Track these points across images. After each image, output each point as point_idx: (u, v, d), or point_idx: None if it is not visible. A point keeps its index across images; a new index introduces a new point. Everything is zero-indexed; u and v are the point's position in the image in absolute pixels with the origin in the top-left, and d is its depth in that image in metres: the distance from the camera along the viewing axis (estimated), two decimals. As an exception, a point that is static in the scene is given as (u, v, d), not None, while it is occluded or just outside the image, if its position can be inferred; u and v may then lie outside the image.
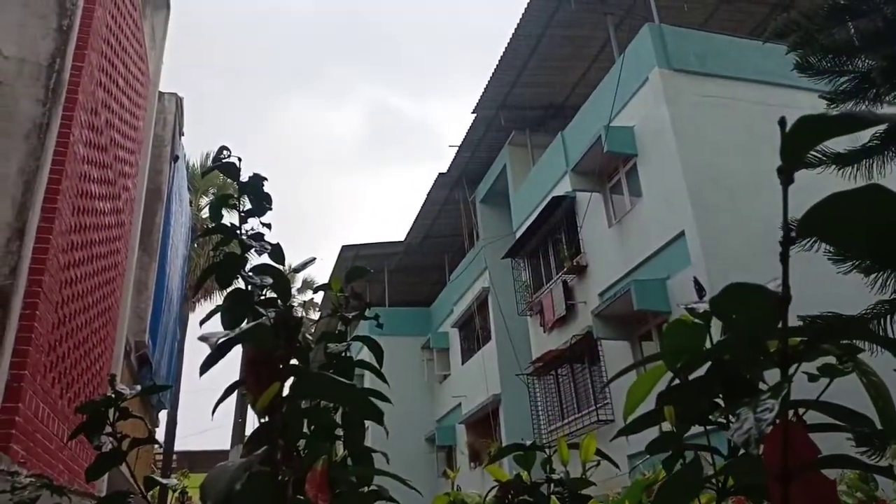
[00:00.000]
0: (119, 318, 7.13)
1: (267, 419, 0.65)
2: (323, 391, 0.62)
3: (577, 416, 15.24)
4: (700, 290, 0.84)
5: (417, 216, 24.30)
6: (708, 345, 0.85)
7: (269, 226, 1.62)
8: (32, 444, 4.04)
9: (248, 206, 1.59)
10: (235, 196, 1.59)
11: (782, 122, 0.59)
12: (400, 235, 25.87)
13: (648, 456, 0.89)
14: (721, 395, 0.82)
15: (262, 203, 1.62)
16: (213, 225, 1.58)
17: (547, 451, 1.51)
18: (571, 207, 16.15)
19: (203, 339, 0.64)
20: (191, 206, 19.32)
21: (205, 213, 24.67)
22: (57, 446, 4.60)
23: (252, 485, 0.56)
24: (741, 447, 0.48)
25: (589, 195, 15.24)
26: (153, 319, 10.24)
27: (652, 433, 0.94)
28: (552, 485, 1.44)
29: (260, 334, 0.64)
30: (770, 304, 0.61)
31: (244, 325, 0.66)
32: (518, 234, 18.41)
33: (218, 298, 24.40)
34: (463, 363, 22.86)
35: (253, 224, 1.60)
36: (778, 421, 0.58)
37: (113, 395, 1.42)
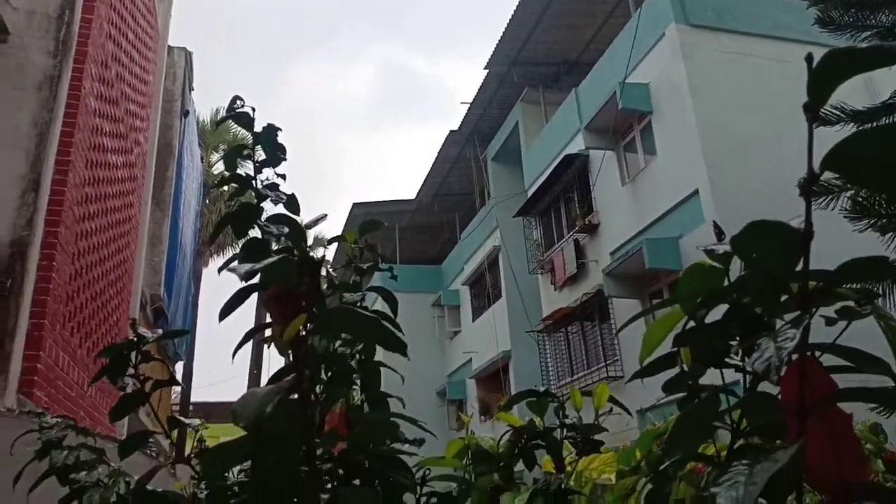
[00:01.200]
0: (134, 271, 7.21)
1: (292, 351, 0.66)
2: (347, 324, 0.63)
3: (587, 371, 15.39)
4: (720, 233, 0.84)
5: (428, 174, 24.19)
6: (725, 289, 0.85)
7: (283, 176, 1.63)
8: (54, 391, 4.15)
9: (263, 156, 1.60)
10: (250, 147, 1.59)
11: (809, 57, 0.58)
12: (411, 194, 25.83)
13: (664, 396, 0.90)
14: (738, 338, 0.83)
15: (276, 153, 1.62)
16: (228, 175, 1.58)
17: (560, 398, 1.54)
18: (584, 166, 16.01)
19: (231, 269, 0.65)
20: (202, 161, 19.31)
21: (216, 170, 24.68)
22: (78, 393, 4.71)
23: (281, 410, 0.58)
24: (761, 376, 0.49)
25: (602, 153, 15.09)
26: (168, 273, 10.35)
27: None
28: (565, 430, 1.47)
29: (285, 269, 0.65)
30: (792, 242, 0.61)
31: (268, 260, 0.67)
32: (530, 193, 18.32)
33: (231, 253, 24.49)
34: (473, 320, 23.05)
35: (268, 174, 1.61)
36: (795, 357, 0.58)
37: (135, 339, 1.45)
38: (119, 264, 6.43)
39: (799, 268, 0.64)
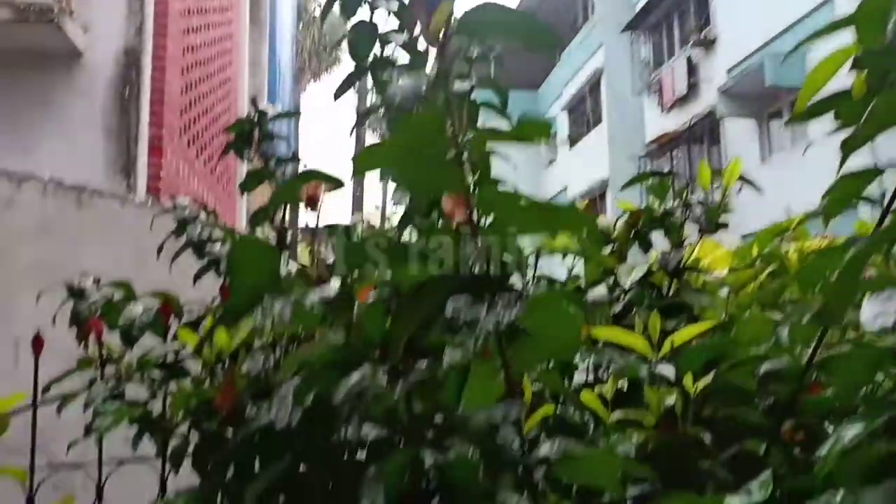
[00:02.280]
0: (239, 90, 7.35)
1: (437, 50, 0.62)
2: (493, 21, 0.58)
3: (690, 198, 14.99)
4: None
5: (527, -11, 22.62)
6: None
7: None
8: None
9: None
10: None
11: None
12: (508, 11, 24.41)
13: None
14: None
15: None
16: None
17: (684, 180, 1.46)
18: (703, -29, 14.47)
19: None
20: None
21: (307, -6, 24.11)
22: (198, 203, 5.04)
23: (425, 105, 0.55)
24: None
25: (725, -45, 13.50)
26: (269, 97, 10.51)
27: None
28: (687, 209, 1.41)
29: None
30: None
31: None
32: (639, 6, 16.90)
33: (327, 80, 24.68)
34: (571, 147, 22.54)
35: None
36: None
37: (256, 116, 1.47)
38: (224, 82, 6.55)
39: None
